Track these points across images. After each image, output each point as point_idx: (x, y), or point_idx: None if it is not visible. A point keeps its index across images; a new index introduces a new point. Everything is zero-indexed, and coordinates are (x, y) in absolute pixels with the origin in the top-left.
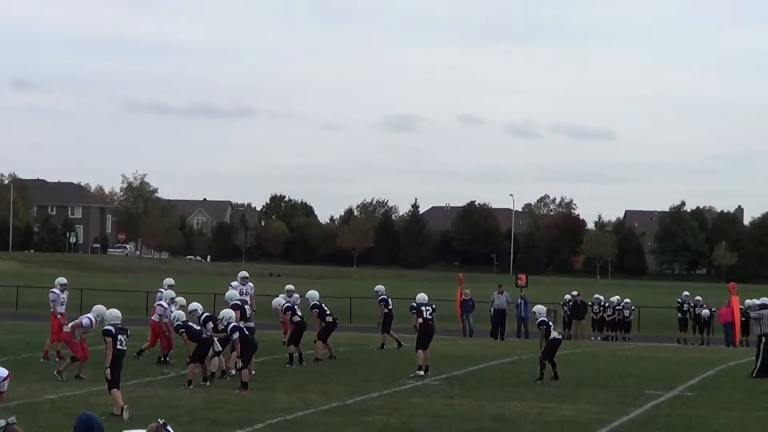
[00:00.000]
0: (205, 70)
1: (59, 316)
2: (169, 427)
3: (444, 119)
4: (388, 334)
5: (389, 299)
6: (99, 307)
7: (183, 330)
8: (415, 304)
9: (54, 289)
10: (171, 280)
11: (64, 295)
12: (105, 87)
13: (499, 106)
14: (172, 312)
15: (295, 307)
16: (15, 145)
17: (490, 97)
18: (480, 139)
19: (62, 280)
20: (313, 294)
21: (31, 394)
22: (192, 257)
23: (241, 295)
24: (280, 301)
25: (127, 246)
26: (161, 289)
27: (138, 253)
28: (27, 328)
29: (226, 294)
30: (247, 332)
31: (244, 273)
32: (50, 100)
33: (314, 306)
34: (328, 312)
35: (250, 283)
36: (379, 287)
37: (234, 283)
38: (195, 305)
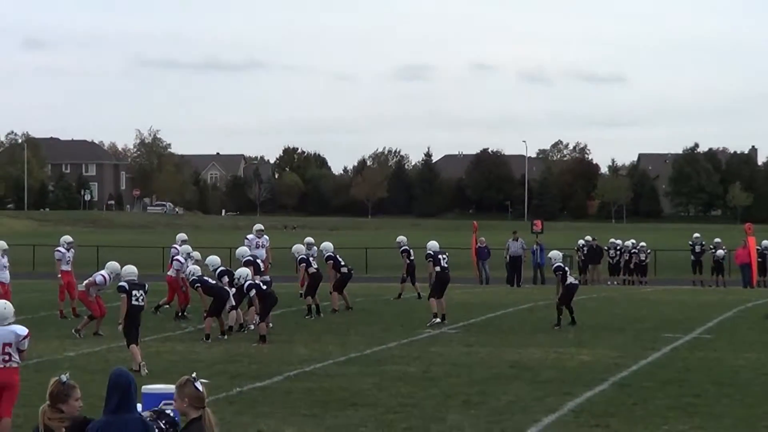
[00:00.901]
0: (215, 24)
1: (59, 274)
2: (197, 384)
3: (456, 67)
4: (413, 285)
5: (411, 250)
6: (112, 264)
7: (198, 284)
8: (431, 252)
9: (59, 248)
10: (184, 235)
11: (70, 254)
12: (116, 44)
13: (511, 53)
14: (188, 267)
15: (310, 259)
16: (28, 105)
17: (502, 44)
18: (492, 86)
19: (68, 238)
20: (327, 245)
21: (50, 352)
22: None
23: (257, 247)
24: (299, 248)
25: (167, 204)
26: (175, 245)
27: (177, 210)
28: (44, 286)
29: (237, 251)
30: (264, 287)
31: (259, 226)
32: (62, 59)
33: (329, 257)
34: (342, 263)
35: (266, 236)
36: (401, 238)
37: (250, 236)
38: (213, 259)
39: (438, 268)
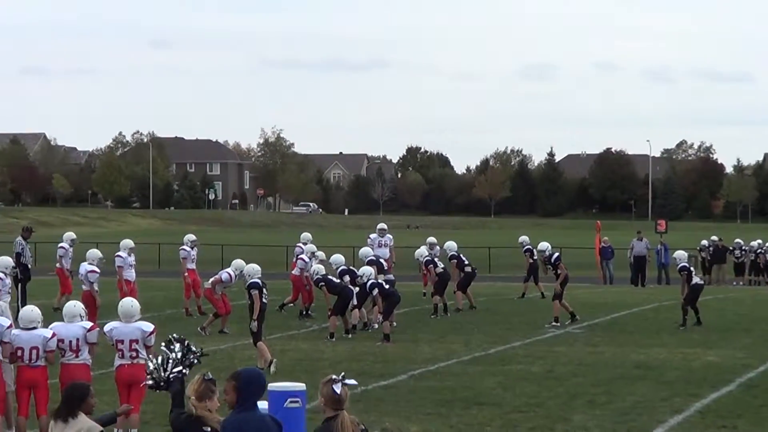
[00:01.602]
0: (339, 24)
1: (185, 273)
2: (336, 386)
3: (579, 66)
4: (536, 284)
5: (534, 249)
6: (238, 261)
7: (323, 283)
8: (455, 253)
9: (184, 246)
10: (308, 234)
11: (194, 252)
12: (241, 44)
13: (635, 52)
14: (312, 266)
15: (435, 259)
16: (153, 105)
17: (626, 43)
18: (616, 85)
19: (191, 237)
20: (451, 245)
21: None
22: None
23: (379, 246)
24: (422, 252)
25: (311, 204)
26: (300, 244)
27: (320, 210)
28: (169, 284)
29: (360, 251)
30: (386, 286)
31: (382, 225)
32: (187, 59)
33: (452, 256)
34: (466, 262)
35: (389, 235)
36: (524, 238)
37: (372, 236)
38: (337, 258)
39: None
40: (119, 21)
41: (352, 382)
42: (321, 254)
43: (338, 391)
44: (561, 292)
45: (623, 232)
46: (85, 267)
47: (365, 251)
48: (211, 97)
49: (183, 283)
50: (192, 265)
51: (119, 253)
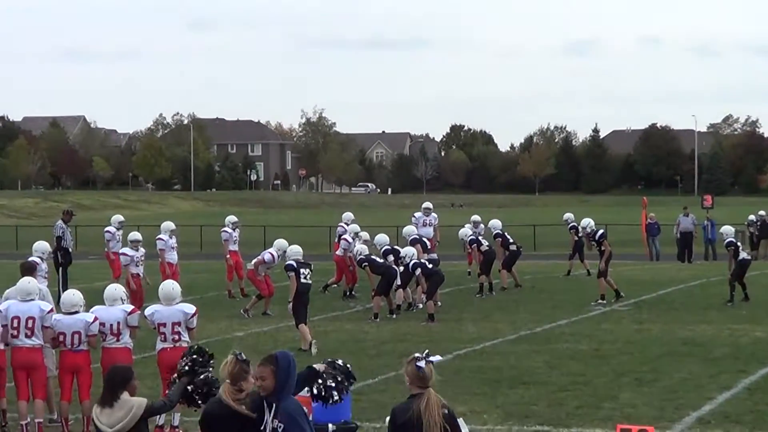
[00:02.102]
0: (380, 2)
1: (227, 255)
2: (420, 363)
3: (624, 41)
4: (582, 262)
5: (579, 227)
6: (280, 241)
7: (366, 264)
8: (595, 230)
9: (226, 228)
10: (350, 214)
11: (236, 234)
12: (280, 23)
13: (680, 26)
14: (355, 246)
15: (480, 238)
16: (194, 86)
17: (671, 17)
18: (660, 60)
19: (232, 218)
20: (495, 223)
21: (219, 332)
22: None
23: (423, 225)
24: (466, 231)
25: (369, 185)
26: (342, 224)
27: (377, 190)
28: (212, 266)
29: (404, 230)
30: (430, 266)
31: (427, 204)
32: (226, 39)
33: (497, 235)
34: (511, 240)
35: (434, 214)
36: (568, 215)
37: (417, 215)
38: (381, 237)
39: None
40: (158, 2)
41: (437, 358)
42: (364, 234)
43: (423, 367)
44: (606, 269)
45: (669, 208)
46: (123, 249)
47: (409, 230)
48: (252, 78)
49: (225, 265)
50: (234, 247)
51: (160, 236)
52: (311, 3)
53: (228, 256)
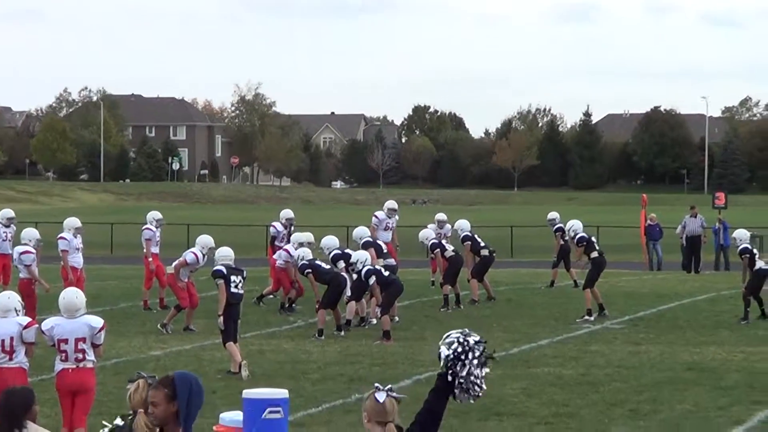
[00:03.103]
0: None
1: (150, 258)
2: (378, 395)
3: (626, 7)
4: (568, 270)
5: (565, 228)
6: (205, 238)
7: (309, 270)
8: (585, 236)
9: (149, 226)
10: (290, 212)
11: (158, 233)
12: None
13: None
14: (296, 251)
15: (444, 242)
16: (105, 55)
17: None
18: (669, 30)
19: (156, 214)
20: (463, 224)
21: (132, 351)
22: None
23: (386, 229)
24: (428, 233)
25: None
26: (277, 223)
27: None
28: (125, 272)
29: (355, 232)
30: (386, 273)
31: (392, 203)
32: None
33: (465, 237)
34: (482, 244)
35: (396, 216)
36: (553, 214)
37: (380, 214)
38: (329, 240)
39: (595, 254)
40: None
41: (400, 396)
42: (308, 236)
43: (380, 400)
44: (595, 278)
45: (674, 208)
46: (18, 249)
47: (360, 232)
48: (176, 46)
49: (144, 270)
50: (156, 249)
51: (63, 235)
52: None
53: (150, 259)
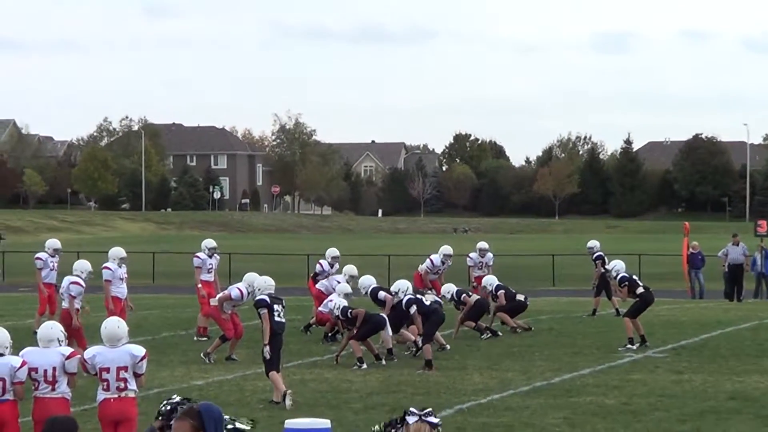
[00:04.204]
0: None
1: (199, 285)
2: (428, 419)
3: (664, 35)
4: (609, 299)
5: (606, 257)
6: (252, 276)
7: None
8: (626, 276)
9: (200, 254)
10: (335, 251)
11: (213, 261)
12: (251, 10)
13: (733, 17)
14: (337, 284)
15: (486, 270)
16: (147, 84)
17: (722, 7)
18: (708, 57)
19: (210, 242)
20: (491, 279)
21: (174, 380)
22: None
23: (479, 268)
24: (450, 288)
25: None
26: (324, 261)
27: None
28: (166, 301)
29: (360, 281)
30: (427, 302)
31: (449, 250)
32: (188, 28)
33: (498, 287)
34: (514, 291)
35: (490, 254)
36: (593, 243)
37: (473, 255)
38: (366, 279)
39: (641, 289)
40: None
41: (435, 420)
42: (351, 269)
43: (410, 422)
44: (640, 311)
45: (716, 236)
46: (69, 279)
47: (366, 282)
48: (217, 75)
49: (197, 298)
50: (210, 276)
51: (107, 264)
52: None
53: (200, 285)
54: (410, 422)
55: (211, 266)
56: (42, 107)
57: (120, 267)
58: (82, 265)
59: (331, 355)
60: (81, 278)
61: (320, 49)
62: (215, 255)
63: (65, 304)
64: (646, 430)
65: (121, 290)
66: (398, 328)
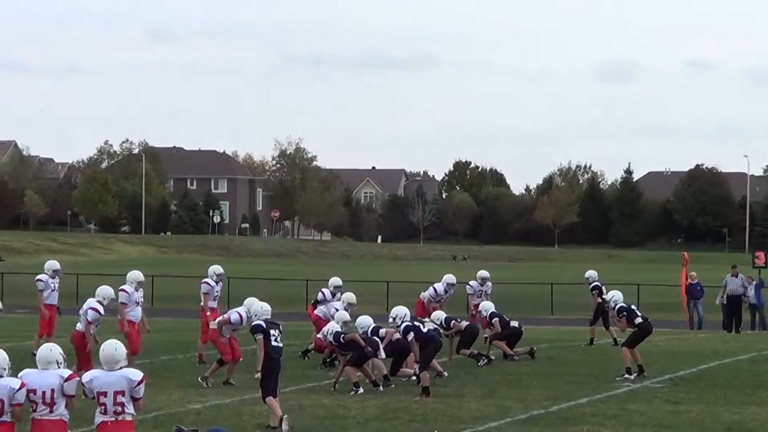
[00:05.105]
0: (376, 12)
1: (209, 312)
2: None
3: (667, 65)
4: (607, 329)
5: (603, 287)
6: (251, 300)
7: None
8: (624, 306)
9: (208, 280)
10: (338, 280)
11: (218, 287)
12: (252, 35)
13: (736, 48)
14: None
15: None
16: (148, 108)
17: (725, 38)
18: (710, 88)
19: (217, 269)
20: (487, 305)
21: (172, 404)
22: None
23: (479, 297)
24: (475, 287)
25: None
26: (325, 290)
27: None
28: (165, 325)
29: (357, 321)
30: (424, 329)
31: (452, 279)
32: (187, 53)
33: (493, 315)
34: (507, 319)
35: (489, 283)
36: (590, 273)
37: (473, 283)
38: (364, 320)
39: (639, 320)
40: (108, 7)
41: None
42: (349, 296)
43: None
44: (638, 341)
45: (715, 267)
46: (88, 303)
47: (363, 321)
48: (218, 100)
49: (200, 323)
50: (214, 304)
51: (124, 287)
52: (291, 11)
53: (209, 314)
54: None
55: (217, 293)
56: (43, 129)
57: (137, 290)
58: (105, 291)
59: (329, 381)
60: (102, 304)
61: (322, 75)
62: (220, 281)
63: (79, 326)
64: None
65: (135, 314)
66: (401, 361)
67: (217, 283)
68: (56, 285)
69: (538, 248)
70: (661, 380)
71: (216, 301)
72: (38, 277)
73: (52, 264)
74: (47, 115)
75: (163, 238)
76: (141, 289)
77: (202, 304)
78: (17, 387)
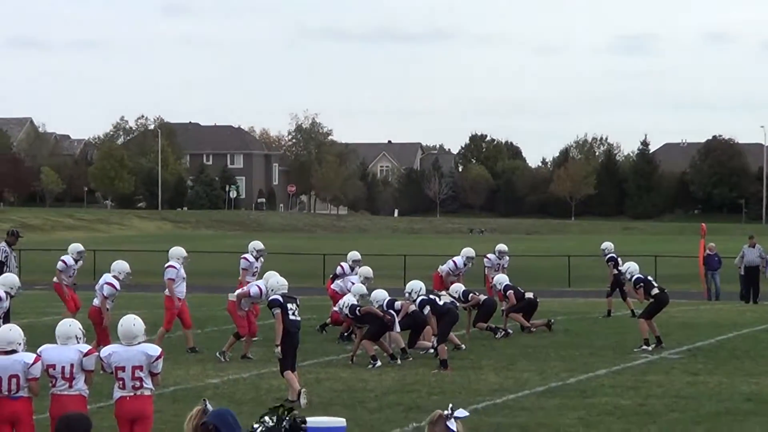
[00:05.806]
0: None
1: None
2: (450, 423)
3: (685, 37)
4: (625, 300)
5: (619, 258)
6: (270, 274)
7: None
8: (641, 277)
9: (247, 255)
10: (357, 254)
11: (258, 264)
12: (268, 10)
13: (755, 19)
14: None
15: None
16: (162, 84)
17: (744, 9)
18: (728, 60)
19: (258, 244)
20: (501, 278)
21: (190, 379)
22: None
23: (497, 270)
24: (493, 260)
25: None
26: (344, 264)
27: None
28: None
29: (373, 295)
30: (441, 302)
31: (471, 252)
32: (202, 28)
33: (507, 287)
34: (522, 291)
35: (507, 257)
36: (607, 244)
37: (491, 256)
38: (379, 293)
39: (656, 290)
40: None
41: (463, 414)
42: (366, 270)
43: (453, 429)
44: (654, 312)
45: (732, 238)
46: (104, 278)
47: (378, 295)
48: (233, 75)
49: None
50: (253, 279)
51: (172, 263)
52: None
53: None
54: (454, 428)
55: (256, 269)
56: (59, 106)
57: (182, 265)
58: (121, 266)
59: (346, 355)
60: (118, 279)
61: (337, 49)
62: (261, 257)
63: (96, 302)
64: (660, 431)
65: (181, 290)
66: (418, 334)
67: (257, 258)
68: (75, 269)
69: (555, 221)
70: (678, 351)
71: (255, 276)
72: (62, 258)
73: (76, 246)
74: (63, 91)
75: (180, 214)
76: (185, 263)
77: (240, 278)
78: (32, 361)
